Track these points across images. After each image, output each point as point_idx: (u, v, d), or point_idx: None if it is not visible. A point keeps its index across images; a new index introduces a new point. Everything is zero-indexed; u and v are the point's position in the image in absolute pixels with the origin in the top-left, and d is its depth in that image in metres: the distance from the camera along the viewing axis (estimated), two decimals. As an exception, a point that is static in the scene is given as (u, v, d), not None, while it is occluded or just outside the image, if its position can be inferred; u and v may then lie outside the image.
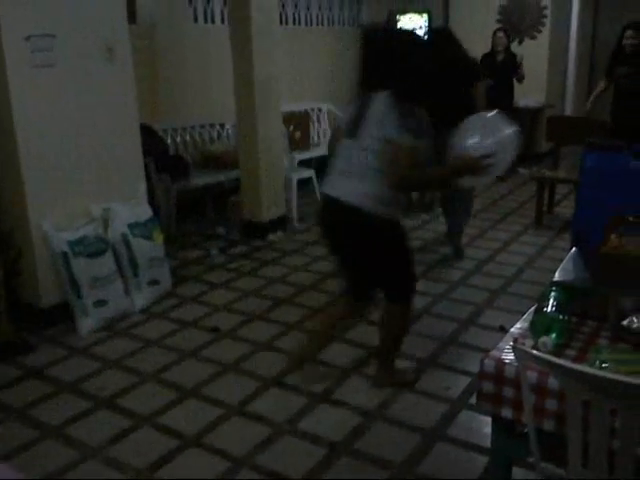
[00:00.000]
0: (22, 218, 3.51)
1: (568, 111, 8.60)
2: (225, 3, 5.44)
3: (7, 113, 3.37)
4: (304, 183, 5.80)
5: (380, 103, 2.55)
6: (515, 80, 6.77)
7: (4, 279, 3.37)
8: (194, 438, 2.64)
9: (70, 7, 3.54)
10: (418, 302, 3.92)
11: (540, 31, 7.48)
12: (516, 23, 7.53)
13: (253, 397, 2.93)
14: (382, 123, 2.49)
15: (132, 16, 4.98)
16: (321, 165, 7.11)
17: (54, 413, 2.82)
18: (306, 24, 7.28)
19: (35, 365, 3.24)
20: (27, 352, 3.35)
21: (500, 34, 6.73)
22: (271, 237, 5.20)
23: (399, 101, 2.49)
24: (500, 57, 6.70)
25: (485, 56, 6.80)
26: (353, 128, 2.60)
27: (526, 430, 1.60)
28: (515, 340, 1.71)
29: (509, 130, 2.63)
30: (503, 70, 6.68)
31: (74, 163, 3.65)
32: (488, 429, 1.88)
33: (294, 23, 7.12)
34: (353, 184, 2.56)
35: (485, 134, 2.63)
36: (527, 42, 7.53)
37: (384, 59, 2.62)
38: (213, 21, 6.15)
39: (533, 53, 7.43)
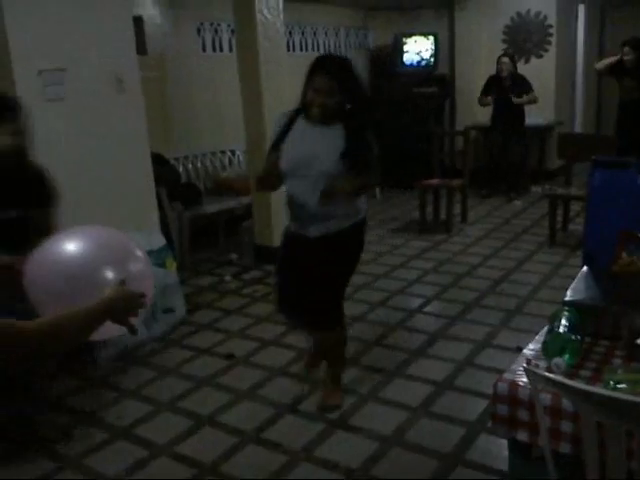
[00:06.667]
0: (37, 250, 3.55)
1: (578, 127, 8.61)
2: (233, 32, 5.54)
3: (21, 148, 3.43)
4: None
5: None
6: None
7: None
8: (211, 467, 2.63)
9: (80, 40, 3.62)
10: (433, 324, 3.93)
11: (546, 50, 7.51)
12: (521, 43, 7.57)
13: (269, 424, 2.92)
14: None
15: (142, 47, 5.08)
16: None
17: (72, 444, 2.83)
18: (313, 50, 7.38)
19: (52, 396, 3.26)
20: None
21: (505, 59, 6.82)
22: (284, 262, 5.20)
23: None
24: (507, 82, 6.78)
25: (491, 78, 6.93)
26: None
27: (543, 453, 1.59)
28: (528, 362, 1.70)
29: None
30: (510, 93, 6.78)
31: (86, 193, 3.69)
32: (507, 452, 1.86)
33: (301, 50, 7.21)
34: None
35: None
36: (534, 61, 7.56)
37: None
38: (221, 50, 6.25)
39: (540, 71, 7.46)
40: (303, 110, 2.70)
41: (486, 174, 7.16)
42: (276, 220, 5.17)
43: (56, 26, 3.49)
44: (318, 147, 2.64)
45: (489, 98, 6.86)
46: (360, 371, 3.38)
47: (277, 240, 5.18)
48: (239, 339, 3.87)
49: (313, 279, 2.74)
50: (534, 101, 6.79)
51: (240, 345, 3.77)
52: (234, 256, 5.42)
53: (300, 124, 2.71)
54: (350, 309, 4.19)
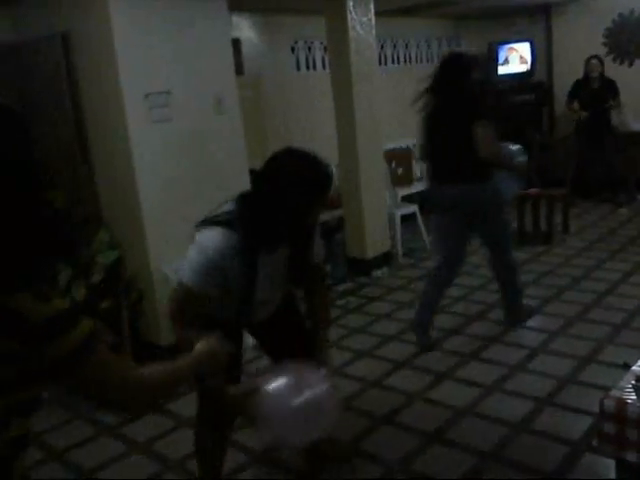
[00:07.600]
0: (143, 263, 3.76)
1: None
2: (325, 50, 5.64)
3: (129, 166, 3.65)
4: (407, 218, 5.80)
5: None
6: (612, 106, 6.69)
7: (129, 320, 3.61)
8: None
9: (183, 64, 3.82)
10: (533, 339, 3.80)
11: (653, 50, 7.14)
12: (624, 45, 7.24)
13: (365, 435, 2.93)
14: None
15: (239, 68, 5.26)
16: (424, 200, 7.12)
17: (173, 446, 2.96)
18: (405, 62, 7.38)
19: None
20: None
21: (594, 61, 6.70)
22: (376, 273, 5.22)
23: None
24: (595, 84, 6.66)
25: (579, 82, 6.80)
26: None
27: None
28: (637, 379, 1.62)
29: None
30: (599, 97, 6.61)
31: (190, 209, 3.86)
32: (614, 473, 1.78)
33: (393, 62, 7.23)
34: None
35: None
36: (638, 63, 7.21)
37: None
38: (315, 68, 6.38)
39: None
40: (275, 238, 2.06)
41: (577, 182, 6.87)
42: (368, 232, 5.21)
43: (161, 51, 3.70)
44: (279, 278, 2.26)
45: (576, 104, 6.77)
46: (456, 384, 3.33)
47: (370, 252, 5.24)
48: (332, 350, 3.90)
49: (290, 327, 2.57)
50: (618, 106, 6.66)
51: (334, 356, 3.80)
52: (327, 268, 5.48)
53: (262, 258, 2.07)
54: (446, 322, 4.15)
